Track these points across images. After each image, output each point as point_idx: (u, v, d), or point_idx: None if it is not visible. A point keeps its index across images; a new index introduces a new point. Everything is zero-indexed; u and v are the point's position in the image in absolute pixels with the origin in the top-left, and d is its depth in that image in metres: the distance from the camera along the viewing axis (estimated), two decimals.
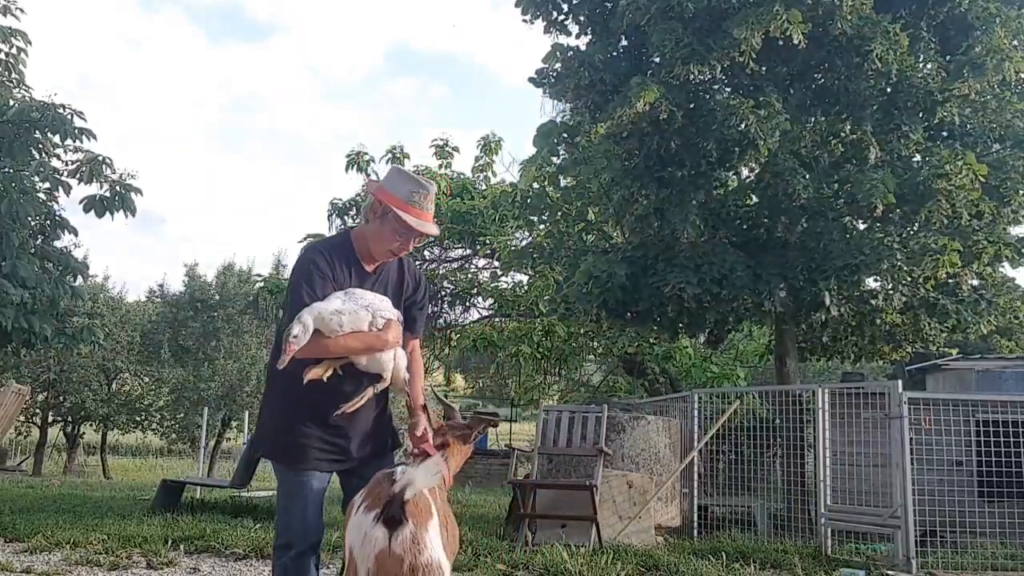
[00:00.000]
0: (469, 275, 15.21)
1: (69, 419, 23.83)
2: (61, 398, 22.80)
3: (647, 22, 8.78)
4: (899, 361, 12.78)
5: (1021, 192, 9.16)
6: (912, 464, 7.06)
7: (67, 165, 9.88)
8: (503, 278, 15.10)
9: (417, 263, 13.93)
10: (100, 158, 9.65)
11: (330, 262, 2.90)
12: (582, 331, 13.79)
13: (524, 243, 13.57)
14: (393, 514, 2.33)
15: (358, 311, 2.81)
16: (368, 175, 15.42)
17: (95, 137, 9.51)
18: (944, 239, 8.62)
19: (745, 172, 10.41)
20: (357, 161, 15.30)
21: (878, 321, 9.82)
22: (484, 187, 15.27)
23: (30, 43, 10.02)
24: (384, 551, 2.31)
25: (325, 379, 2.84)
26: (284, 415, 2.96)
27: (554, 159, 11.21)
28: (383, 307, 2.90)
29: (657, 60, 9.29)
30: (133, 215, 9.77)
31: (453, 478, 2.98)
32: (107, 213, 9.71)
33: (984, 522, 7.56)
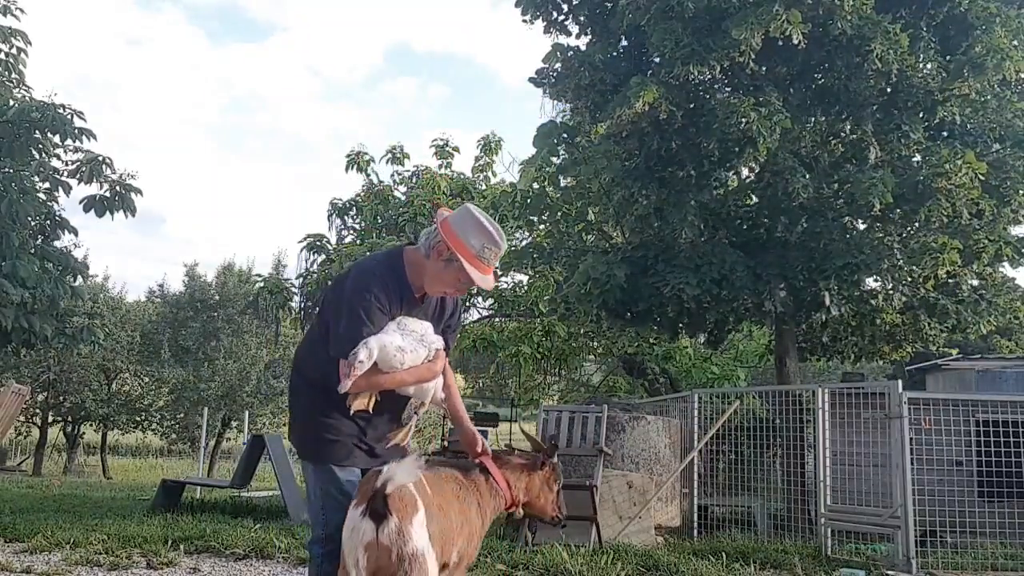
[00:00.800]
0: None
1: (69, 419, 23.84)
2: (61, 398, 22.80)
3: (647, 22, 8.79)
4: (899, 361, 12.78)
5: (1021, 192, 9.16)
6: (912, 464, 7.06)
7: (67, 165, 9.90)
8: (503, 278, 15.10)
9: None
10: (100, 158, 9.66)
11: (387, 294, 2.84)
12: (582, 331, 13.80)
13: (524, 243, 13.58)
14: (377, 507, 2.44)
15: (417, 348, 2.82)
16: (368, 175, 15.45)
17: (95, 137, 9.52)
18: (944, 238, 8.62)
19: (745, 172, 10.42)
20: (357, 161, 15.31)
21: (878, 321, 9.82)
22: (484, 187, 15.27)
23: (30, 43, 10.04)
24: (372, 542, 2.45)
25: (370, 409, 2.84)
26: (325, 415, 2.92)
27: (554, 159, 11.21)
28: (433, 338, 2.91)
29: (657, 60, 9.30)
30: (133, 215, 9.80)
31: (536, 506, 3.08)
32: (107, 213, 9.73)
33: (984, 522, 7.57)
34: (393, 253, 2.98)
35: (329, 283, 3.13)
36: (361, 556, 2.46)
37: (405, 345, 2.77)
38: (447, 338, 3.08)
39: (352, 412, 2.80)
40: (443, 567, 2.67)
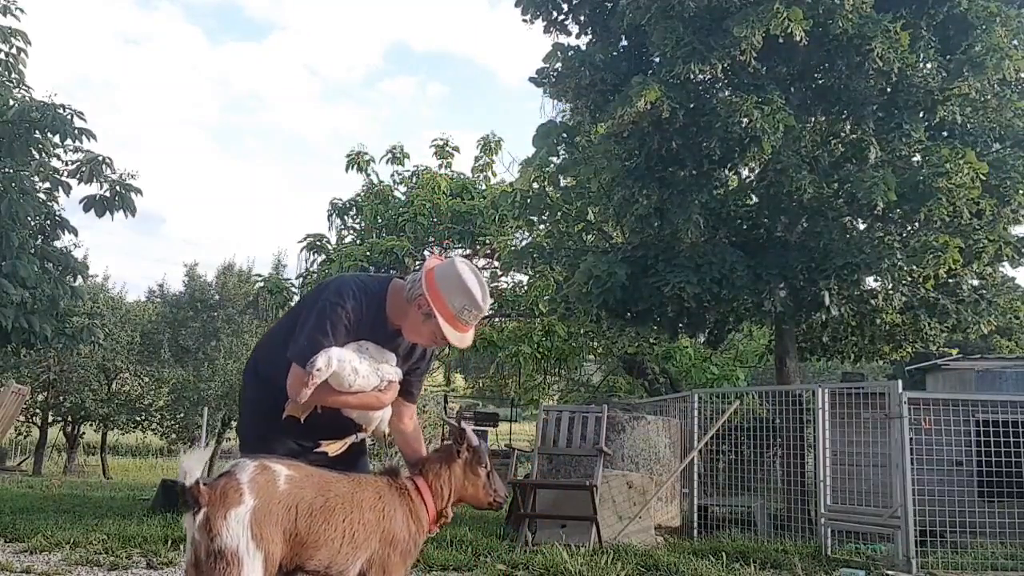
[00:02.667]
0: None
1: (69, 419, 23.82)
2: (61, 398, 22.78)
3: (647, 21, 8.78)
4: (899, 361, 12.79)
5: (1021, 191, 9.16)
6: (912, 464, 7.06)
7: (67, 165, 9.91)
8: (503, 278, 15.11)
9: (418, 263, 13.93)
10: (100, 158, 9.67)
11: (359, 315, 2.79)
12: (582, 331, 13.80)
13: (524, 243, 13.58)
14: (187, 500, 2.38)
15: (370, 376, 2.77)
16: (368, 175, 15.44)
17: (95, 137, 9.53)
18: (945, 237, 8.62)
19: (745, 172, 10.42)
20: (357, 161, 15.31)
21: (878, 321, 9.82)
22: (484, 187, 15.27)
23: (30, 43, 10.04)
24: (194, 536, 2.40)
25: (301, 420, 2.79)
26: (272, 413, 2.84)
27: (554, 159, 11.21)
28: (390, 370, 2.86)
29: (657, 60, 9.29)
30: (133, 215, 9.81)
31: (467, 496, 2.87)
32: (107, 213, 9.74)
33: (984, 522, 7.56)
34: (381, 280, 2.93)
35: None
36: (189, 547, 2.42)
37: (360, 370, 2.72)
38: (412, 382, 3.01)
39: (284, 416, 2.74)
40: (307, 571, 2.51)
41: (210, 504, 2.37)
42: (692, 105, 8.98)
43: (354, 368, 2.70)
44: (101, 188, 9.75)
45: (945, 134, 9.44)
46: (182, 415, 24.70)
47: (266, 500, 2.41)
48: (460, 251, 15.11)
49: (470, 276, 2.80)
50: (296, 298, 14.42)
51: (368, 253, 13.20)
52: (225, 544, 2.33)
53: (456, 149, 15.58)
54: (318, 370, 2.58)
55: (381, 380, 2.81)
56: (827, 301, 8.69)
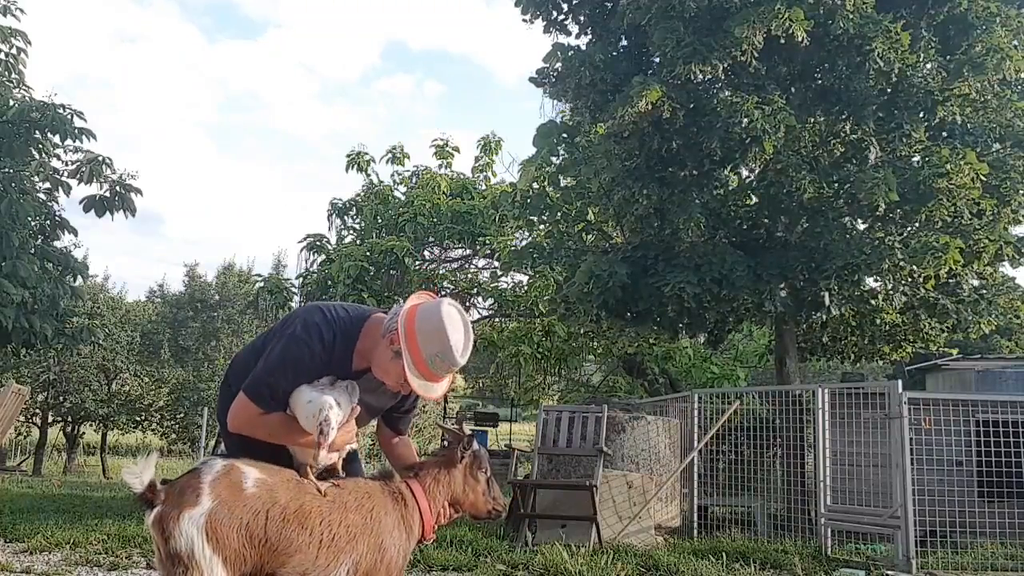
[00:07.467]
0: (469, 275, 15.22)
1: (69, 419, 23.83)
2: (61, 398, 22.78)
3: (648, 21, 8.78)
4: (899, 361, 12.79)
5: (1021, 191, 9.17)
6: (912, 464, 7.06)
7: (67, 165, 9.95)
8: (503, 278, 15.12)
9: (418, 263, 13.93)
10: (100, 158, 9.69)
11: (327, 354, 2.57)
12: (582, 331, 13.80)
13: (524, 243, 13.59)
14: (144, 498, 2.32)
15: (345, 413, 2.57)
16: (368, 175, 15.45)
17: (95, 137, 9.56)
18: (946, 237, 8.62)
19: (745, 172, 10.41)
20: (357, 161, 15.33)
21: (878, 321, 9.82)
22: (484, 187, 15.28)
23: (30, 43, 10.05)
24: (152, 534, 2.36)
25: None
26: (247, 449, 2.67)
27: (554, 159, 11.21)
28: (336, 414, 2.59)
29: (658, 60, 9.29)
30: (133, 215, 9.84)
31: (465, 503, 2.76)
32: (107, 213, 9.76)
33: (984, 522, 7.56)
34: (356, 316, 2.67)
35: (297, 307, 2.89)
36: (154, 547, 2.39)
37: (341, 406, 2.54)
38: (398, 419, 2.87)
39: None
40: None
41: (165, 503, 2.30)
42: (692, 105, 8.98)
43: (335, 402, 2.52)
44: (101, 188, 9.80)
45: (945, 134, 9.43)
46: (182, 415, 24.74)
47: (227, 502, 2.32)
48: (460, 251, 15.12)
49: (453, 323, 2.50)
50: (296, 298, 14.43)
51: (368, 253, 13.20)
52: (180, 547, 2.26)
53: (456, 149, 15.62)
54: (332, 429, 2.44)
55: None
56: (827, 301, 8.69)
